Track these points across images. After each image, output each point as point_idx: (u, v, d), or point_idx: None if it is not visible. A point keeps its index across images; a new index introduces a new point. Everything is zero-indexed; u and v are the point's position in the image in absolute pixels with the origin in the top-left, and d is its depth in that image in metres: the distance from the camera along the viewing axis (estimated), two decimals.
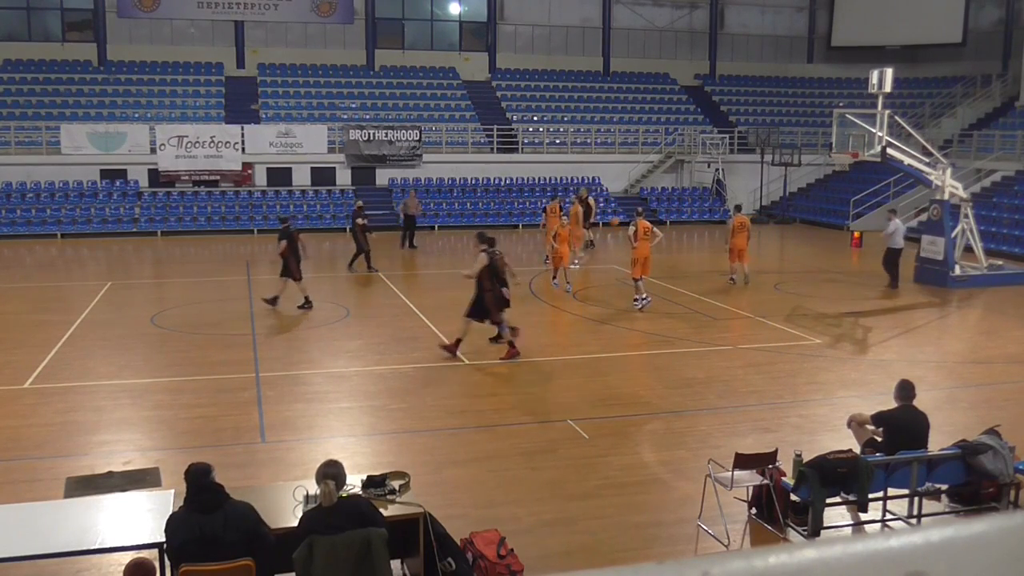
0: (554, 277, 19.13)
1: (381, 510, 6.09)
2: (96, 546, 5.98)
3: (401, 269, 21.54)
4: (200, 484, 5.75)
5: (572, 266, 20.32)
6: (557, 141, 34.78)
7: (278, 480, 8.27)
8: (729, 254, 19.59)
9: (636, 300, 16.89)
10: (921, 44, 38.22)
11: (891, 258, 19.72)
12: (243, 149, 30.61)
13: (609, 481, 8.77)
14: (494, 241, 13.73)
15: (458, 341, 13.45)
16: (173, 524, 5.71)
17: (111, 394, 11.67)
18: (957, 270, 19.91)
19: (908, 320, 17.00)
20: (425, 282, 20.66)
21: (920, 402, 8.46)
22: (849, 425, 8.83)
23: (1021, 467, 7.97)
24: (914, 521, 8.01)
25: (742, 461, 7.70)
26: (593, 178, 33.43)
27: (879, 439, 8.27)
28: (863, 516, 8.00)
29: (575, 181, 33.17)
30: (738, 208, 20.53)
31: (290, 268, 16.78)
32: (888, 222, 19.94)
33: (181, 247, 25.29)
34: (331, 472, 5.82)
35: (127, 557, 6.02)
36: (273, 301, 16.77)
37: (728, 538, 7.55)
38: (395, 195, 31.35)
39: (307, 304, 16.76)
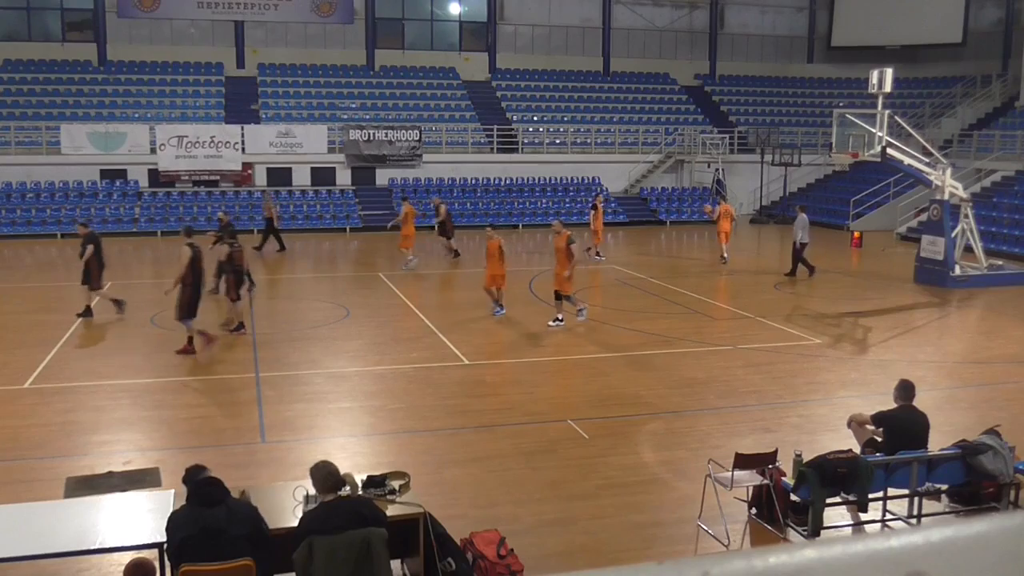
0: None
1: (381, 510, 6.09)
2: (96, 546, 5.97)
3: (401, 269, 21.53)
4: (199, 479, 5.76)
5: (598, 257, 23.39)
6: (557, 141, 34.78)
7: (278, 480, 8.27)
8: (718, 236, 22.81)
9: (580, 311, 15.62)
10: (921, 44, 38.22)
11: (800, 252, 20.64)
12: (243, 149, 30.61)
13: (609, 481, 8.77)
14: (233, 232, 14.99)
15: (194, 338, 13.38)
16: (175, 520, 5.71)
17: (111, 394, 11.67)
18: (957, 270, 19.91)
19: (908, 320, 17.00)
20: (425, 282, 20.66)
21: (920, 402, 8.46)
22: (849, 425, 8.84)
23: (1021, 467, 7.97)
24: (914, 521, 8.01)
25: (742, 461, 7.70)
26: (593, 178, 33.44)
27: (879, 439, 8.27)
28: (863, 516, 8.00)
29: (575, 181, 33.20)
30: (723, 197, 24.56)
31: (92, 276, 15.62)
32: (797, 219, 20.93)
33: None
34: (333, 471, 5.83)
35: (127, 557, 6.02)
36: (86, 312, 15.76)
37: (728, 538, 7.55)
38: (395, 195, 31.39)
39: (87, 312, 15.67)
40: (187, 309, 13.32)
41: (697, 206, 33.18)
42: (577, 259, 15.62)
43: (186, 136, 30.12)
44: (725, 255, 22.76)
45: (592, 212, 24.10)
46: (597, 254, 23.49)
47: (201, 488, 5.74)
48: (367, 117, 33.35)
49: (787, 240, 29.08)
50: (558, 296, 15.45)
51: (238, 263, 14.62)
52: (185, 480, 5.86)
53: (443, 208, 23.83)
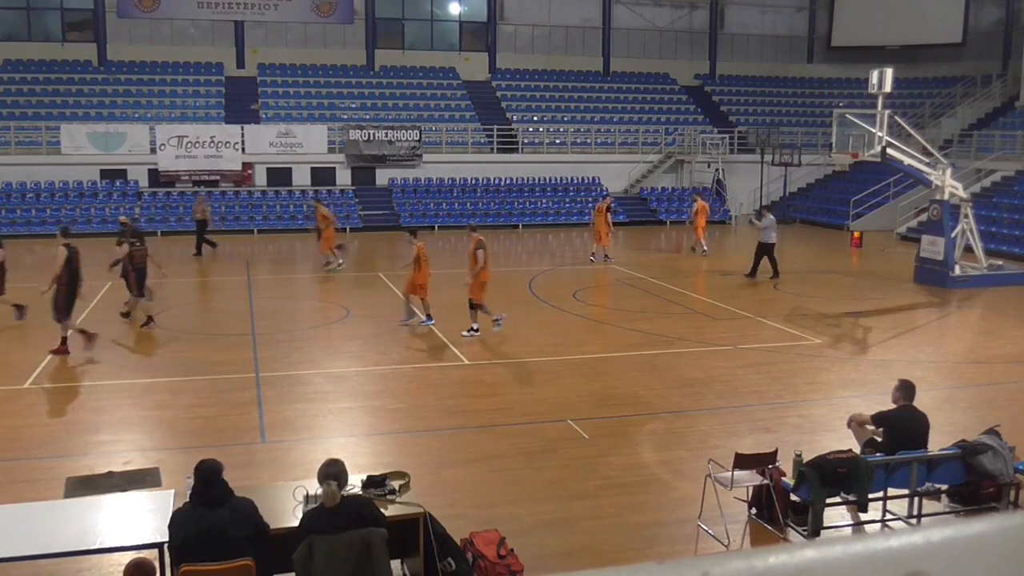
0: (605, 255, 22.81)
1: (381, 510, 6.09)
2: (96, 546, 5.97)
3: (401, 269, 21.50)
4: (211, 480, 5.77)
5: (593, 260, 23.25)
6: (557, 141, 34.77)
7: (278, 480, 8.27)
8: (695, 232, 24.49)
9: (496, 321, 14.82)
10: (921, 44, 38.22)
11: (762, 251, 20.35)
12: (243, 149, 30.60)
13: (609, 481, 8.77)
14: (137, 232, 15.58)
15: (67, 338, 13.37)
16: (177, 520, 5.72)
17: (111, 394, 11.67)
18: (957, 270, 19.91)
19: (908, 320, 17.00)
20: None
21: (920, 402, 8.46)
22: (849, 425, 8.83)
23: (1021, 467, 7.97)
24: (914, 521, 8.01)
25: (742, 461, 7.70)
26: (593, 178, 33.44)
27: (879, 439, 8.26)
28: (863, 516, 8.00)
29: (575, 181, 33.19)
30: (699, 194, 26.43)
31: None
32: (761, 218, 20.67)
33: (181, 247, 25.25)
34: (332, 472, 5.82)
35: (127, 557, 6.02)
36: (19, 313, 15.64)
37: (728, 538, 7.55)
38: (395, 195, 31.39)
39: (20, 312, 15.59)
40: (62, 309, 13.42)
41: None
42: (482, 265, 14.51)
43: (186, 136, 30.11)
44: (705, 248, 24.42)
45: (594, 214, 23.94)
46: (596, 257, 23.17)
47: (209, 490, 5.74)
48: (367, 117, 33.35)
49: (787, 240, 29.14)
50: (472, 305, 14.71)
51: (139, 262, 15.57)
52: (197, 472, 5.86)
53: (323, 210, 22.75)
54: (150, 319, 15.44)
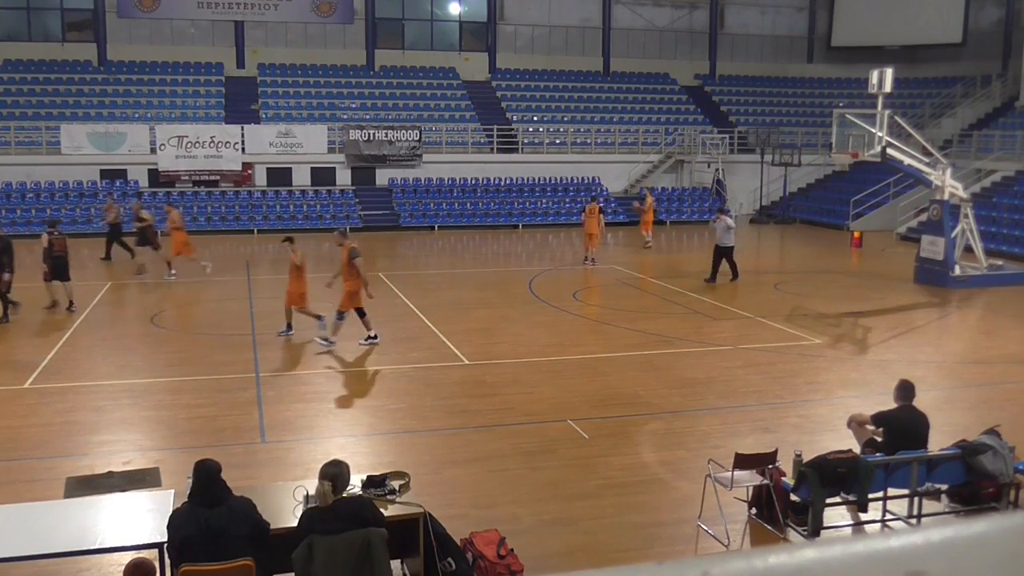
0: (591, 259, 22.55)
1: (381, 510, 6.09)
2: (96, 546, 5.97)
3: (401, 269, 21.53)
4: (209, 478, 5.77)
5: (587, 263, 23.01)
6: (557, 141, 34.77)
7: (278, 480, 8.27)
8: (643, 226, 25.76)
9: (369, 339, 14.04)
10: (921, 44, 38.21)
11: (720, 254, 19.94)
12: (243, 149, 30.60)
13: (609, 481, 8.77)
14: (55, 223, 16.50)
15: None
16: (176, 519, 5.72)
17: (111, 394, 11.67)
18: (957, 270, 19.91)
19: (908, 320, 17.00)
20: (425, 282, 20.65)
21: (920, 402, 8.46)
22: (849, 425, 8.83)
23: (1021, 467, 7.97)
24: (914, 521, 8.01)
25: (742, 461, 7.70)
26: (593, 178, 33.44)
27: (879, 439, 8.27)
28: (863, 516, 8.00)
29: (575, 181, 33.19)
30: (650, 191, 28.09)
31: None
32: (716, 221, 20.24)
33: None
34: (331, 472, 5.83)
35: (127, 557, 6.02)
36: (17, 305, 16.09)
37: (728, 538, 7.55)
38: (395, 195, 31.39)
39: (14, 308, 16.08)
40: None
41: (698, 206, 33.21)
42: (360, 274, 13.74)
43: (186, 136, 30.11)
44: (649, 242, 25.71)
45: (584, 215, 23.38)
46: (590, 260, 22.68)
47: (208, 489, 5.75)
48: (367, 117, 33.34)
49: (787, 240, 29.18)
50: (360, 313, 13.92)
51: (58, 251, 16.55)
52: (196, 472, 5.88)
53: (145, 213, 21.71)
54: (54, 303, 16.34)
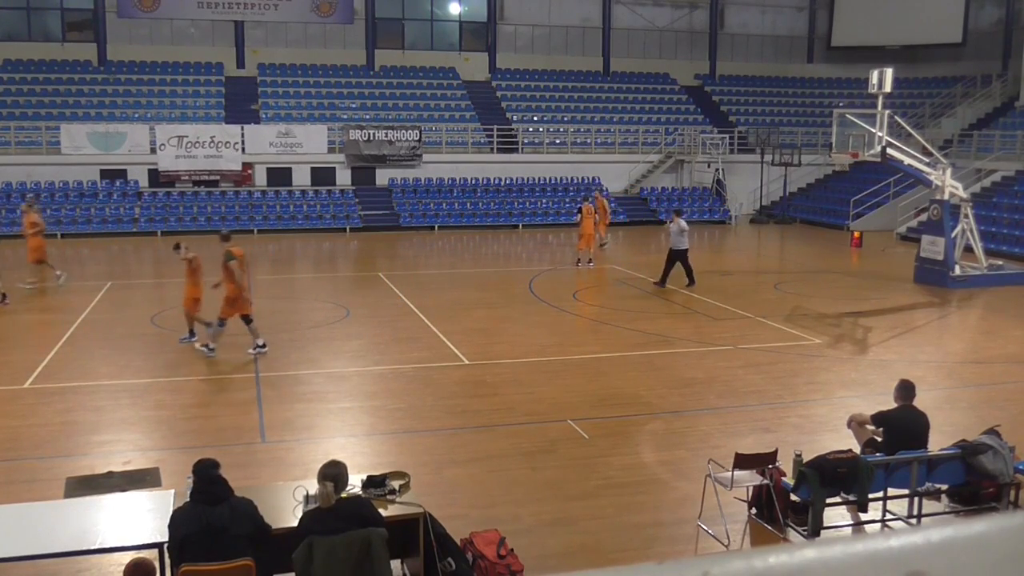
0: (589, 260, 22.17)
1: (381, 510, 6.09)
2: (96, 546, 5.97)
3: (401, 269, 21.53)
4: (209, 476, 5.78)
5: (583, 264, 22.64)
6: (557, 141, 34.78)
7: (278, 480, 8.27)
8: (600, 227, 24.46)
9: (257, 347, 13.50)
10: (921, 44, 38.23)
11: (674, 258, 19.43)
12: (243, 149, 30.61)
13: (609, 481, 8.77)
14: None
15: None
16: (177, 518, 5.73)
17: (111, 394, 11.66)
18: (957, 270, 19.91)
19: (908, 320, 17.00)
20: (425, 282, 20.65)
21: (920, 402, 8.46)
22: (849, 425, 8.84)
23: (1021, 467, 7.97)
24: (914, 521, 8.01)
25: (742, 461, 7.70)
26: (593, 178, 33.44)
27: (879, 439, 8.27)
28: (863, 516, 8.00)
29: (575, 181, 33.19)
30: (601, 191, 27.63)
31: None
32: (671, 223, 19.68)
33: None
34: (331, 473, 5.83)
35: (127, 557, 6.02)
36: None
37: (728, 538, 7.55)
38: (395, 195, 31.39)
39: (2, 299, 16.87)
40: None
41: (698, 206, 33.20)
42: (234, 279, 13.12)
43: (186, 136, 30.11)
44: (606, 241, 25.27)
45: (579, 216, 23.15)
46: (584, 260, 22.45)
47: (208, 487, 5.75)
48: (367, 117, 33.35)
49: (787, 240, 29.19)
50: (246, 320, 13.45)
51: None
52: (195, 471, 5.88)
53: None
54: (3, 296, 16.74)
